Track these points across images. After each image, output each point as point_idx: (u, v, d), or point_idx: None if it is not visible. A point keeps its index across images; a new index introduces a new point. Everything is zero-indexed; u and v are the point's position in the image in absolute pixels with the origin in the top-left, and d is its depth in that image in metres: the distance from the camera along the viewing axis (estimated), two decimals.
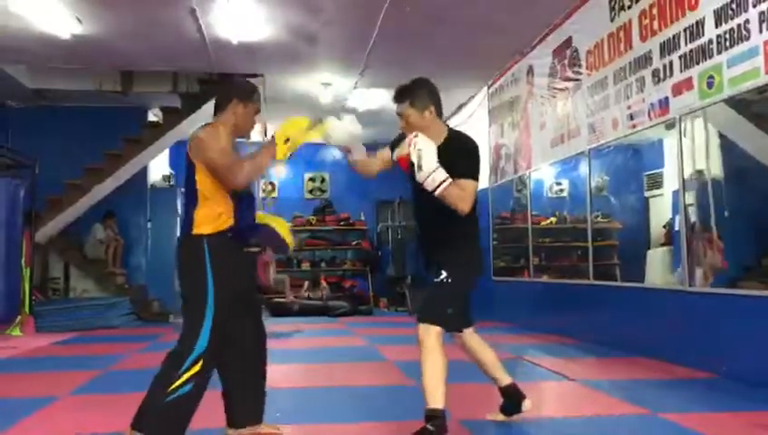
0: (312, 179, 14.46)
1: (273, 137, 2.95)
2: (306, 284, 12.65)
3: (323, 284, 12.62)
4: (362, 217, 14.03)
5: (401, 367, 5.20)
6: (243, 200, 2.97)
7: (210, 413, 3.01)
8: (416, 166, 2.92)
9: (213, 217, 2.88)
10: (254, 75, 9.48)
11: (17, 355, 6.46)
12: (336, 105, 10.90)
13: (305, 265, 13.63)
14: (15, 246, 7.93)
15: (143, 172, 10.89)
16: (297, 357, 6.19)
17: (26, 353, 6.59)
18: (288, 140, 2.95)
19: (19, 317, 8.20)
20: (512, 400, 3.36)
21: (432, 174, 2.91)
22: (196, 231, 2.88)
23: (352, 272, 13.75)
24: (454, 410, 3.68)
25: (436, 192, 2.93)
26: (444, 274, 3.04)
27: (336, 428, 3.47)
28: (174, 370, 2.76)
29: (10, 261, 7.79)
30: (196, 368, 2.76)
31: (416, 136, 2.97)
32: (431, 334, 2.92)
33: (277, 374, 5.30)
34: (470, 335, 3.33)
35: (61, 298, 10.19)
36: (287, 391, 4.49)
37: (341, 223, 13.99)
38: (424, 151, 2.91)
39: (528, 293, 8.43)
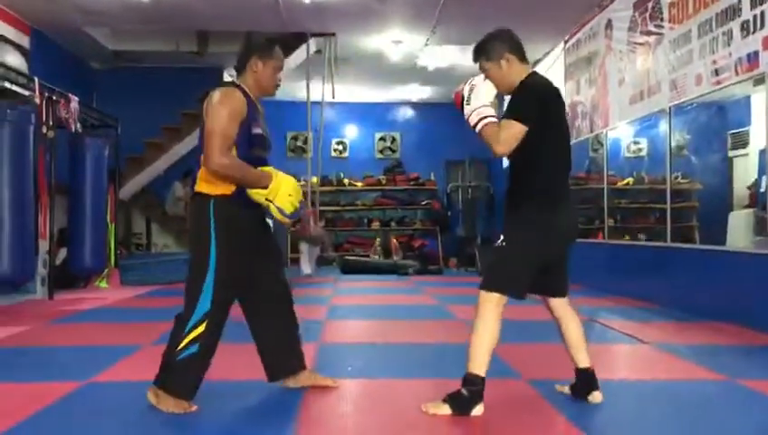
0: (382, 139, 14.46)
1: (274, 177, 2.83)
2: (377, 242, 12.80)
3: (395, 244, 12.71)
4: (432, 177, 13.99)
5: (468, 324, 5.22)
6: (252, 164, 2.86)
7: (228, 366, 3.06)
8: (464, 100, 2.88)
9: (214, 180, 2.84)
10: (326, 34, 9.51)
11: (104, 305, 6.83)
12: (406, 63, 10.80)
13: (375, 225, 13.75)
14: (101, 202, 8.30)
15: None
16: (369, 313, 6.30)
17: (112, 304, 6.95)
18: (274, 200, 2.82)
19: (106, 270, 8.64)
20: (582, 385, 3.08)
21: (476, 110, 2.84)
22: (199, 189, 2.88)
23: (422, 232, 13.78)
24: (524, 369, 3.69)
25: (476, 129, 2.84)
26: (501, 237, 2.94)
27: (405, 383, 3.53)
28: (180, 330, 2.84)
29: (96, 217, 8.16)
30: (200, 329, 2.81)
31: (477, 77, 2.94)
32: (487, 301, 2.82)
33: (349, 330, 5.43)
34: (558, 305, 3.08)
35: (143, 253, 10.64)
36: (358, 346, 4.59)
37: (411, 183, 13.99)
38: (477, 87, 2.87)
39: (603, 255, 8.26)
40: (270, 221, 3.09)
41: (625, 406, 3.24)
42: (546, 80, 3.02)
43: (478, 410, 2.78)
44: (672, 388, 3.50)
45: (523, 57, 3.00)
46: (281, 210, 2.82)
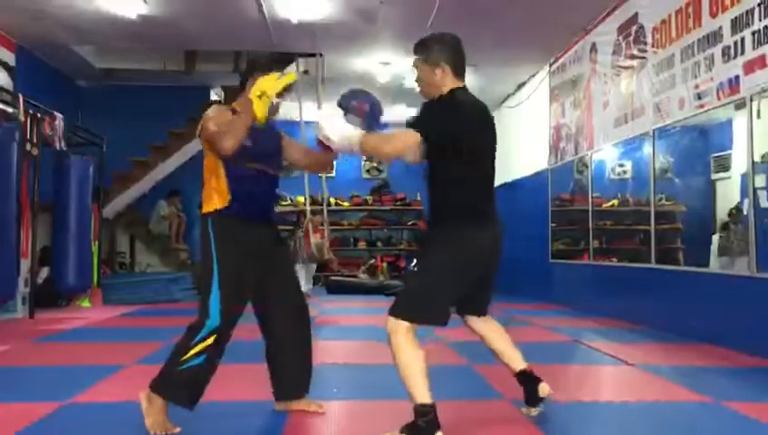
0: (369, 159, 14.48)
1: (247, 97, 2.93)
2: (363, 267, 12.80)
3: (382, 266, 12.70)
4: (419, 198, 14.00)
5: (454, 347, 5.20)
6: (244, 179, 2.98)
7: (212, 386, 3.07)
8: (329, 141, 2.88)
9: (209, 196, 3.01)
10: (314, 54, 9.55)
11: (87, 325, 6.75)
12: (394, 84, 10.87)
13: (362, 245, 13.74)
14: (85, 220, 8.23)
15: None
16: (353, 334, 6.27)
17: (95, 324, 6.87)
18: (262, 94, 2.90)
19: (88, 289, 8.55)
20: (528, 387, 3.02)
21: (342, 137, 2.82)
22: (203, 210, 3.04)
23: (408, 252, 13.78)
24: (507, 390, 3.68)
25: (357, 150, 2.83)
26: (414, 261, 2.95)
27: (389, 404, 3.50)
28: (188, 341, 2.91)
29: (80, 235, 8.10)
30: (209, 341, 2.88)
31: (320, 118, 2.94)
32: (398, 330, 2.70)
33: (334, 350, 5.39)
34: (478, 323, 3.05)
35: (127, 272, 10.56)
36: (344, 367, 4.56)
37: (398, 203, 14.02)
38: (326, 124, 2.86)
39: (587, 276, 8.29)
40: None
41: (610, 428, 3.24)
42: (470, 97, 2.90)
43: None
44: (657, 409, 3.51)
45: (459, 71, 2.93)
46: (268, 95, 2.89)
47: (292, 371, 3.19)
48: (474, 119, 2.85)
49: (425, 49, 2.96)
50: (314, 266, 10.07)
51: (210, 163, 3.02)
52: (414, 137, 2.70)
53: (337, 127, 2.86)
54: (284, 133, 3.34)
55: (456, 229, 2.78)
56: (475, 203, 2.84)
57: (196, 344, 2.88)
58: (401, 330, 2.70)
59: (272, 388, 3.23)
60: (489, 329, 3.06)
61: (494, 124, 3.01)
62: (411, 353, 2.69)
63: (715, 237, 6.47)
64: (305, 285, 9.97)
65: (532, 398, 3.08)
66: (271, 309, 3.14)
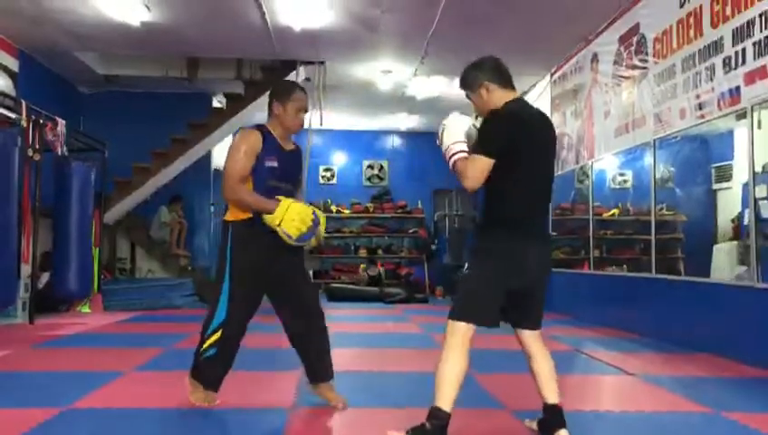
0: (370, 167, 14.51)
1: (281, 206, 3.16)
2: (362, 267, 12.81)
3: (378, 267, 12.73)
4: (419, 206, 14.03)
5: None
6: (267, 194, 3.23)
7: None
8: (439, 141, 2.91)
9: (235, 208, 3.30)
10: (315, 62, 9.58)
11: (86, 331, 6.74)
12: (395, 92, 10.90)
13: (362, 252, 13.74)
14: (86, 226, 8.24)
15: (207, 157, 11.14)
16: (355, 341, 6.25)
17: (95, 330, 6.86)
18: (280, 223, 3.15)
19: (89, 295, 8.54)
20: (549, 421, 2.94)
21: (448, 147, 2.84)
22: (225, 217, 3.34)
23: (409, 260, 13.78)
24: (508, 400, 3.68)
25: (450, 166, 2.86)
26: (466, 266, 2.94)
27: (389, 412, 3.50)
28: (203, 334, 3.30)
29: (81, 241, 8.10)
30: (216, 336, 3.25)
31: (450, 116, 2.95)
32: (454, 332, 2.77)
33: (335, 358, 5.37)
34: (529, 339, 2.98)
35: (127, 278, 10.55)
36: (344, 374, 4.53)
37: (399, 211, 14.02)
38: (447, 127, 2.89)
39: (588, 285, 8.28)
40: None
41: None
42: (517, 108, 2.91)
43: None
44: (657, 420, 3.50)
45: (505, 84, 2.95)
46: (286, 234, 3.15)
47: (312, 361, 3.49)
48: (527, 130, 2.86)
49: (464, 80, 3.04)
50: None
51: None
52: (486, 163, 2.76)
53: (452, 133, 2.87)
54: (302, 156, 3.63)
55: (499, 241, 2.85)
56: (520, 217, 2.87)
57: (208, 338, 3.27)
58: (459, 331, 2.78)
59: (305, 371, 3.54)
60: (537, 350, 2.97)
61: (545, 132, 3.01)
62: (458, 358, 2.75)
63: (717, 247, 6.46)
64: None
65: (547, 429, 2.96)
66: (287, 309, 3.41)
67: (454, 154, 2.82)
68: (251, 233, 3.23)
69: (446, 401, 2.71)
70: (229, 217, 3.30)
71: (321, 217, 3.29)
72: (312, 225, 3.18)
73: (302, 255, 3.53)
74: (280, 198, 3.20)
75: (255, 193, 3.21)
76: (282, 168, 3.30)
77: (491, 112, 2.88)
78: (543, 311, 3.03)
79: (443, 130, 2.91)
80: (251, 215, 3.22)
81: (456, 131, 2.87)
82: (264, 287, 3.36)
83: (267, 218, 3.15)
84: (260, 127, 3.35)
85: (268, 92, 3.45)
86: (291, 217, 3.13)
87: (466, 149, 2.83)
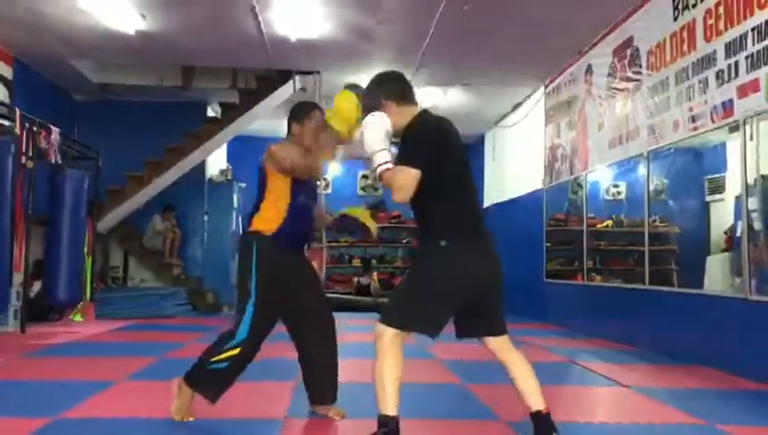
0: (364, 177, 14.53)
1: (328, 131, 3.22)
2: (356, 280, 12.81)
3: (374, 278, 12.75)
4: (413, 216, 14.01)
5: (447, 365, 5.18)
6: (299, 210, 3.32)
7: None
8: (363, 143, 2.83)
9: (264, 220, 3.29)
10: (311, 72, 9.60)
11: (78, 339, 6.70)
12: None
13: (356, 262, 13.73)
14: (79, 234, 8.20)
15: (201, 166, 11.11)
16: (349, 352, 6.20)
17: (87, 338, 6.82)
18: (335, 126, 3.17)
19: (81, 303, 8.50)
20: (539, 430, 2.84)
21: (374, 154, 2.76)
22: (250, 229, 3.32)
23: (402, 270, 13.77)
24: (503, 412, 3.66)
25: (377, 175, 2.79)
26: (408, 270, 2.96)
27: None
28: (219, 346, 3.22)
29: (74, 249, 8.06)
30: (234, 352, 3.19)
31: (372, 115, 2.83)
32: (384, 335, 2.72)
33: None
34: (499, 346, 2.90)
35: (120, 287, 10.50)
36: (338, 386, 4.52)
37: (393, 221, 14.02)
38: (368, 129, 2.80)
39: (582, 296, 8.29)
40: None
41: None
42: (434, 119, 2.91)
43: None
44: (651, 432, 3.49)
45: (401, 98, 2.93)
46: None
47: (321, 383, 3.47)
48: (449, 138, 2.87)
49: (365, 102, 3.00)
50: None
51: (277, 189, 3.29)
52: (414, 174, 2.70)
53: (370, 139, 2.79)
54: None
55: (441, 243, 2.77)
56: (456, 222, 2.83)
57: (224, 352, 3.19)
58: (386, 335, 2.72)
59: (307, 392, 3.50)
60: (511, 356, 2.90)
61: (460, 138, 2.97)
62: (389, 361, 2.70)
63: (710, 259, 6.48)
64: None
65: None
66: (302, 328, 3.41)
67: (380, 165, 2.76)
68: (273, 249, 3.25)
69: (387, 405, 2.68)
70: (254, 227, 3.30)
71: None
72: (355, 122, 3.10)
73: (310, 263, 3.58)
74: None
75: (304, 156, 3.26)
76: (308, 185, 3.40)
77: (408, 127, 2.85)
78: (504, 316, 2.95)
79: (364, 133, 2.81)
80: (275, 229, 3.26)
81: (378, 134, 2.78)
82: (285, 304, 3.34)
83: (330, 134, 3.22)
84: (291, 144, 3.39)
85: (290, 110, 3.50)
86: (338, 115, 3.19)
87: (387, 158, 2.76)
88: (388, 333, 2.72)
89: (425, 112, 2.94)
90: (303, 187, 3.33)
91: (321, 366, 3.43)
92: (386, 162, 2.75)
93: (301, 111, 3.43)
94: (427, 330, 2.77)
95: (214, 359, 3.20)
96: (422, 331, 2.78)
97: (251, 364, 3.28)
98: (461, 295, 2.79)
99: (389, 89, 2.94)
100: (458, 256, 2.76)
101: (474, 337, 2.91)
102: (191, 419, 3.26)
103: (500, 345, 2.89)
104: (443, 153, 2.80)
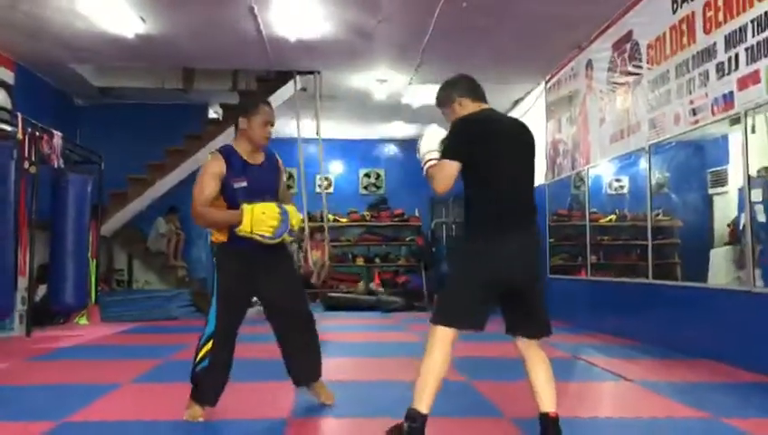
0: (367, 175, 14.53)
1: (245, 212, 3.21)
2: (361, 283, 12.86)
3: (376, 283, 12.77)
4: (417, 214, 14.03)
5: (455, 363, 5.17)
6: None
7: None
8: (418, 150, 3.03)
9: (215, 231, 3.47)
10: (311, 72, 9.60)
11: (84, 343, 6.72)
12: (391, 101, 10.92)
13: (359, 261, 13.73)
14: (83, 238, 8.22)
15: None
16: (351, 351, 6.24)
17: (92, 341, 6.84)
18: (250, 229, 3.22)
19: (86, 307, 8.51)
20: (543, 431, 2.86)
21: (423, 156, 2.96)
22: (211, 239, 3.54)
23: (406, 268, 13.77)
24: (507, 408, 3.67)
25: (423, 173, 2.96)
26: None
27: (387, 422, 3.48)
28: (198, 346, 3.40)
29: (78, 253, 8.08)
30: (208, 346, 3.35)
31: (429, 126, 3.07)
32: (434, 333, 2.79)
33: (332, 367, 5.37)
34: (523, 344, 2.94)
35: (124, 289, 10.53)
36: (341, 384, 4.53)
37: (396, 219, 14.02)
38: (424, 138, 3.00)
39: (585, 291, 8.28)
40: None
41: None
42: (479, 115, 2.99)
43: None
44: (656, 426, 3.49)
45: (475, 97, 3.09)
46: (262, 235, 3.21)
47: (300, 366, 3.63)
48: (486, 134, 2.91)
49: (438, 99, 3.19)
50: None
51: (215, 201, 3.37)
52: (451, 166, 2.84)
53: (426, 143, 2.98)
54: (282, 165, 3.67)
55: (474, 241, 2.89)
56: (493, 218, 2.86)
57: (201, 349, 3.37)
58: (438, 334, 2.79)
59: (289, 374, 3.66)
60: (533, 355, 2.93)
61: (515, 135, 3.03)
62: (434, 358, 2.76)
63: (713, 252, 6.46)
64: None
65: None
66: (277, 318, 3.56)
67: (426, 162, 2.93)
68: (229, 252, 3.39)
69: (422, 403, 2.74)
70: (213, 238, 3.49)
71: (290, 207, 3.35)
72: (281, 217, 3.23)
73: (288, 259, 3.68)
74: (243, 205, 3.23)
75: (215, 210, 3.33)
76: (252, 185, 3.37)
77: (452, 123, 3.00)
78: (545, 318, 2.99)
79: (419, 142, 3.03)
80: (227, 237, 3.36)
81: (431, 142, 2.97)
82: (248, 298, 3.51)
83: (239, 230, 3.20)
84: (224, 149, 3.45)
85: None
86: (257, 218, 3.18)
87: (437, 157, 2.91)
88: (439, 332, 2.80)
89: (479, 110, 3.03)
90: (241, 191, 3.33)
91: (292, 347, 3.59)
92: (430, 159, 2.91)
93: (248, 107, 3.49)
94: (469, 324, 2.83)
95: (197, 360, 3.36)
96: (464, 326, 2.82)
97: (251, 365, 3.31)
98: (487, 292, 2.82)
99: (458, 88, 3.11)
100: (484, 251, 2.82)
101: (513, 334, 2.96)
102: (200, 419, 3.36)
103: (526, 345, 2.94)
104: (473, 147, 2.86)
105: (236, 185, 3.34)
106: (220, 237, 3.41)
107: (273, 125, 3.48)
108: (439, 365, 2.76)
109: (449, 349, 2.78)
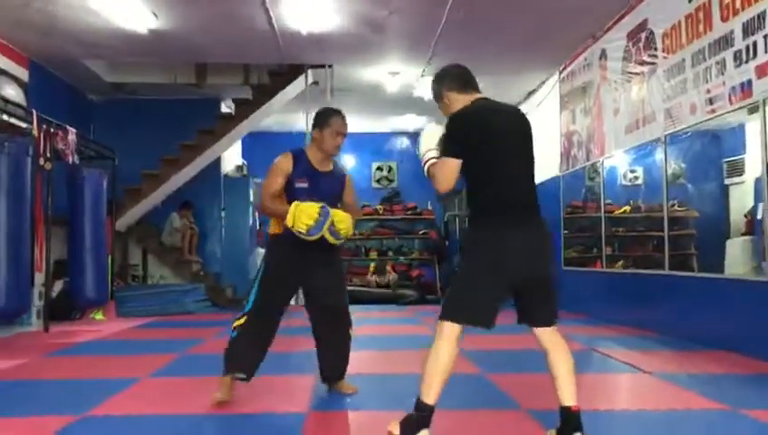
0: (379, 169, 14.52)
1: (291, 208, 3.47)
2: (372, 267, 12.82)
3: (389, 269, 12.75)
4: (429, 207, 14.01)
5: (470, 356, 5.18)
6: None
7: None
8: (417, 149, 3.06)
9: (273, 221, 3.78)
10: (323, 66, 9.59)
11: (101, 338, 6.77)
12: (403, 94, 10.90)
13: (373, 254, 13.74)
14: (100, 233, 8.28)
15: (217, 162, 11.15)
16: (367, 344, 6.24)
17: (109, 336, 6.90)
18: (294, 222, 3.47)
19: (105, 302, 8.58)
20: (563, 425, 2.84)
21: (423, 155, 2.98)
22: (268, 230, 3.90)
23: (419, 261, 13.76)
24: (523, 400, 3.66)
25: (425, 173, 2.97)
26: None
27: (403, 415, 3.48)
28: (231, 322, 3.70)
29: (95, 248, 8.14)
30: (241, 321, 3.63)
31: (428, 124, 3.10)
32: (441, 329, 2.79)
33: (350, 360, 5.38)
34: (545, 335, 2.90)
35: (140, 284, 10.60)
36: (358, 377, 4.53)
37: (409, 212, 14.01)
38: (422, 137, 3.04)
39: (601, 283, 8.24)
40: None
41: None
42: (473, 107, 2.95)
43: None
44: (674, 418, 3.47)
45: (462, 88, 3.04)
46: (299, 231, 3.44)
47: (328, 362, 3.86)
48: (481, 126, 2.87)
49: (432, 93, 3.17)
50: None
51: (279, 196, 3.69)
52: (451, 163, 2.84)
53: (424, 143, 3.01)
54: (350, 181, 3.94)
55: (479, 232, 2.88)
56: (497, 209, 2.86)
57: (234, 321, 3.67)
58: (444, 329, 2.79)
59: (319, 370, 3.91)
60: (554, 346, 2.90)
61: (513, 126, 2.98)
62: (441, 352, 2.76)
63: (730, 242, 6.41)
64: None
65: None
66: (316, 311, 3.81)
67: (426, 161, 2.95)
68: (280, 242, 3.67)
69: (429, 394, 2.75)
70: (269, 230, 3.84)
71: (341, 214, 3.55)
72: (320, 218, 3.43)
73: (336, 259, 3.85)
74: (294, 202, 3.50)
75: (276, 203, 3.62)
76: (313, 188, 3.62)
77: (448, 119, 2.98)
78: (557, 306, 2.97)
79: (417, 143, 3.06)
80: (281, 229, 3.62)
81: (430, 140, 2.98)
82: (291, 287, 3.79)
83: (286, 223, 3.46)
84: (295, 150, 3.77)
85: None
86: (297, 215, 3.42)
87: (437, 155, 2.92)
88: (442, 326, 2.80)
89: (473, 101, 2.99)
90: (301, 191, 3.60)
91: (325, 342, 3.83)
92: (430, 159, 2.92)
93: (321, 118, 3.73)
94: (476, 321, 2.80)
95: (232, 330, 3.66)
96: (471, 322, 2.79)
97: (269, 358, 3.29)
98: (497, 285, 2.80)
99: (448, 79, 3.08)
100: (488, 246, 2.79)
101: (525, 324, 2.95)
102: (226, 398, 3.56)
103: (546, 336, 2.91)
104: (471, 143, 2.84)
105: (298, 185, 3.63)
106: (276, 230, 3.71)
107: (345, 135, 3.72)
108: (446, 362, 2.75)
109: (455, 344, 2.77)
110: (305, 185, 3.63)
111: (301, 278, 3.73)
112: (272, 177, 3.67)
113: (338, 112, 3.77)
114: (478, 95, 3.03)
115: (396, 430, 2.81)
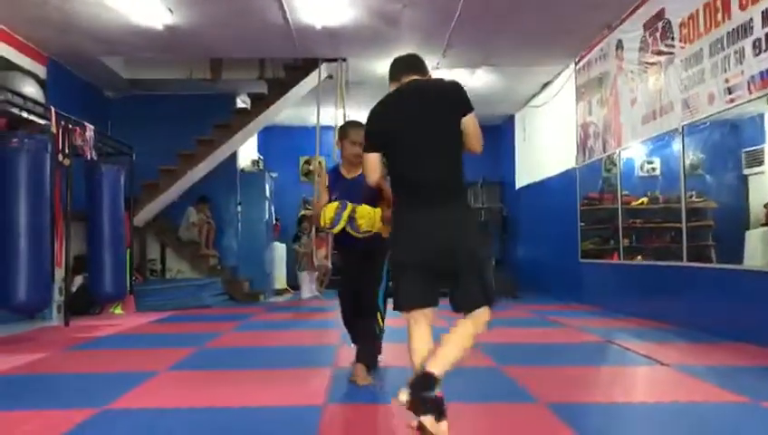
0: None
1: (321, 212, 3.94)
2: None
3: None
4: None
5: (481, 348, 5.17)
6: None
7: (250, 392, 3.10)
8: None
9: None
10: (337, 59, 9.59)
11: (120, 332, 6.85)
12: None
13: None
14: (118, 229, 8.35)
15: (233, 157, 11.20)
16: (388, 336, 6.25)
17: (128, 330, 6.97)
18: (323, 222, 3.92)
19: (124, 296, 8.66)
20: (416, 383, 2.71)
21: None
22: None
23: None
24: (541, 393, 3.66)
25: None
26: None
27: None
28: None
29: (114, 244, 8.22)
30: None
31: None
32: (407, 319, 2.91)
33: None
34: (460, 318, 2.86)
35: (158, 279, 10.69)
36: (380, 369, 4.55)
37: None
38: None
39: (618, 275, 8.19)
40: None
41: (645, 430, 3.19)
42: (382, 99, 3.08)
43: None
44: (693, 410, 3.45)
45: (391, 78, 3.14)
46: (324, 225, 3.90)
47: (358, 344, 4.22)
48: (380, 120, 3.01)
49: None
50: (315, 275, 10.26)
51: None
52: (368, 157, 2.99)
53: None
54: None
55: (394, 216, 3.00)
56: (402, 198, 2.95)
57: None
58: (409, 321, 2.88)
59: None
60: (456, 325, 2.84)
61: (418, 102, 2.95)
62: (409, 340, 2.88)
63: (750, 233, 6.35)
64: (307, 292, 10.15)
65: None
66: (351, 295, 4.28)
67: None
68: (338, 238, 4.15)
69: (414, 368, 2.82)
70: None
71: (364, 209, 3.78)
72: (337, 212, 3.79)
73: (381, 254, 3.93)
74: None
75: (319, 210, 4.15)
76: (342, 194, 4.00)
77: None
78: (478, 295, 2.82)
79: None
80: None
81: (361, 136, 3.23)
82: (355, 273, 4.23)
83: (319, 224, 4.06)
84: (332, 168, 4.51)
85: None
86: (323, 215, 3.88)
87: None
88: (408, 319, 2.88)
89: (397, 89, 3.07)
90: (338, 197, 3.96)
91: (355, 325, 4.30)
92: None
93: (341, 131, 4.23)
94: (410, 306, 2.87)
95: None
96: (405, 308, 2.88)
97: (287, 352, 3.31)
98: (415, 272, 2.81)
99: (390, 69, 3.17)
100: (396, 230, 2.94)
101: (401, 310, 2.93)
102: (366, 382, 3.93)
103: (460, 320, 2.86)
104: (376, 134, 2.99)
105: (333, 195, 4.09)
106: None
107: (361, 144, 3.60)
108: (411, 346, 2.86)
109: (412, 330, 2.86)
110: (337, 193, 4.07)
111: (354, 265, 4.24)
112: (318, 190, 4.43)
113: (354, 124, 4.16)
114: (406, 80, 3.04)
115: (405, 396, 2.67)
